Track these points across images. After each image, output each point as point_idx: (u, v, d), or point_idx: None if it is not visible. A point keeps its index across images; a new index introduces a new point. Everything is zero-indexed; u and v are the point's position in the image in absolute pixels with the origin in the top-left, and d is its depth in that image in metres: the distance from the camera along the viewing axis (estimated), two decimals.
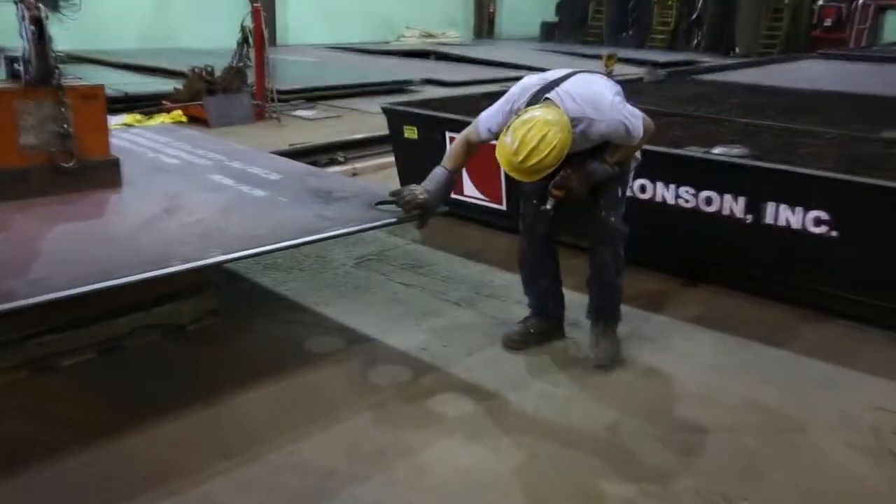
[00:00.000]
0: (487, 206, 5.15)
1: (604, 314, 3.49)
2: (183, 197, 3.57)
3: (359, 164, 7.32)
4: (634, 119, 3.11)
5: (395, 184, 5.74)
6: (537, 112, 2.90)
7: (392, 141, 5.84)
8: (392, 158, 5.99)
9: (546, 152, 2.83)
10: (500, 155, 2.90)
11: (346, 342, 3.63)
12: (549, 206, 3.27)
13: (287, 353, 3.49)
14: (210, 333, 3.65)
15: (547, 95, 3.03)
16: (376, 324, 3.80)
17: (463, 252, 4.87)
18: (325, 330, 3.76)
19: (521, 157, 2.84)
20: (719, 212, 4.07)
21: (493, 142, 3.04)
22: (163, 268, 2.68)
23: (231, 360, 3.44)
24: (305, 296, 4.14)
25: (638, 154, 3.35)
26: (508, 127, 2.91)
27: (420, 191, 3.21)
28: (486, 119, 3.18)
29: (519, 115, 2.92)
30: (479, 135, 3.21)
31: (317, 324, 3.82)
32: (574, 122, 2.96)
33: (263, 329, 3.74)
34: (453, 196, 5.17)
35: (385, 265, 4.64)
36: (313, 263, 4.63)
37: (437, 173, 3.24)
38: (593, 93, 3.06)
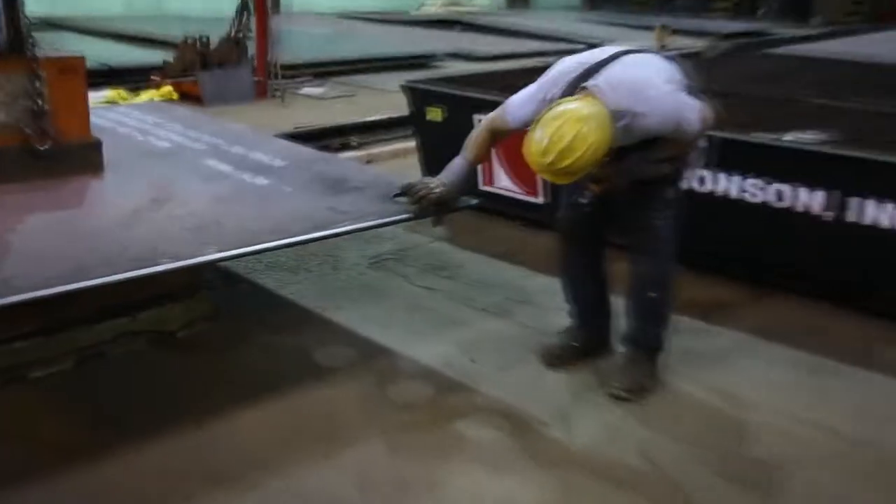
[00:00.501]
0: (523, 200, 5.14)
1: (640, 339, 3.44)
2: (174, 185, 3.58)
3: (375, 150, 7.35)
4: (690, 112, 3.03)
5: (416, 173, 5.78)
6: (572, 105, 2.84)
7: (413, 124, 5.83)
8: (413, 143, 6.00)
9: (579, 153, 2.77)
10: (529, 153, 2.86)
11: (359, 354, 3.63)
12: (585, 200, 3.24)
13: (291, 367, 3.50)
14: (203, 342, 3.66)
15: (585, 84, 2.98)
16: (394, 334, 3.80)
17: (494, 252, 4.86)
18: (336, 340, 3.76)
19: (550, 158, 2.79)
20: (792, 208, 4.02)
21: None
22: (150, 266, 2.68)
23: (227, 373, 3.45)
24: (313, 300, 4.14)
25: (701, 141, 3.30)
26: (538, 120, 2.86)
27: (436, 184, 3.20)
28: (516, 106, 3.14)
29: (551, 108, 2.86)
30: (505, 122, 3.18)
31: (326, 332, 3.82)
32: (616, 115, 2.88)
33: (264, 338, 3.74)
34: (483, 188, 5.18)
35: (404, 266, 4.64)
36: (322, 263, 4.64)
37: (456, 165, 3.24)
38: (640, 80, 2.99)
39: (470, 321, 3.99)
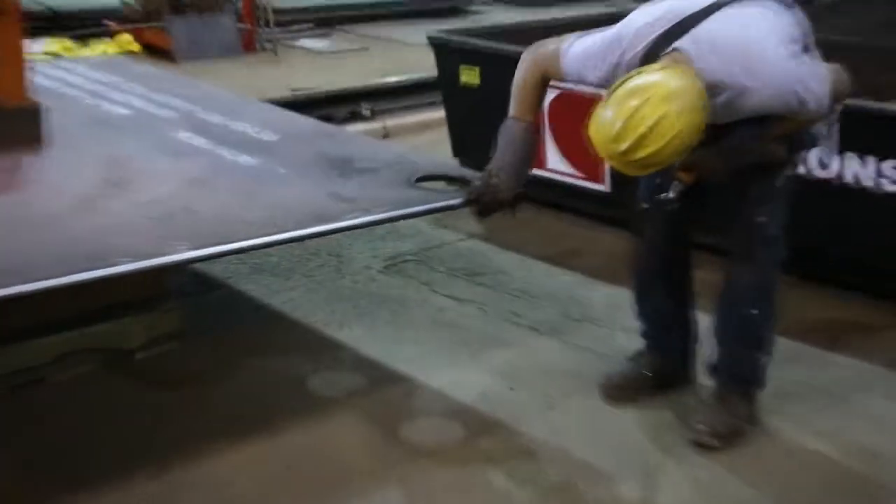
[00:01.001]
0: (582, 187, 5.14)
1: (734, 369, 3.42)
2: (134, 164, 3.60)
3: (392, 121, 7.38)
4: (816, 83, 2.94)
5: (444, 150, 5.81)
6: (654, 76, 2.78)
7: (442, 88, 5.83)
8: (441, 113, 6.02)
9: (662, 142, 2.73)
10: (596, 136, 2.83)
11: (367, 383, 3.64)
12: (671, 194, 3.20)
13: (281, 398, 3.51)
14: (170, 365, 3.68)
15: (675, 45, 2.94)
16: (413, 357, 3.81)
17: (544, 253, 4.86)
18: (338, 364, 3.77)
19: (623, 146, 2.75)
20: None
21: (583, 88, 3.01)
22: (103, 267, 2.68)
23: (199, 405, 3.46)
24: (311, 312, 4.17)
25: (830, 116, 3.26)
26: (610, 94, 2.81)
27: (500, 178, 3.17)
28: (577, 59, 3.09)
29: (627, 79, 2.81)
30: (558, 72, 3.16)
31: (326, 354, 3.84)
32: (714, 89, 2.84)
33: (247, 361, 3.76)
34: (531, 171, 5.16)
35: (428, 270, 4.65)
36: (323, 266, 4.66)
37: (513, 131, 3.19)
38: (748, 43, 2.91)
39: (511, 342, 3.99)
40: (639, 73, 2.82)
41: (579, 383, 3.65)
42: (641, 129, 2.71)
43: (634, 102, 2.73)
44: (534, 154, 3.26)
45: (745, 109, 2.95)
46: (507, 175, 3.16)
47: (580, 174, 5.12)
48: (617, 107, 2.75)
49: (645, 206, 3.44)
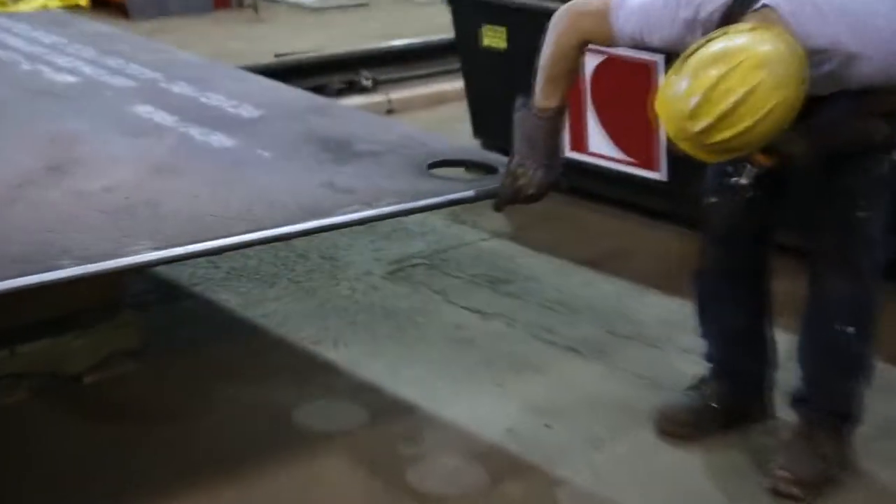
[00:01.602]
0: (632, 174, 5.14)
1: (822, 400, 3.40)
2: (83, 145, 3.59)
3: (398, 94, 7.39)
4: None
5: (463, 128, 5.81)
6: (741, 39, 2.74)
7: (460, 53, 5.82)
8: (458, 84, 6.01)
9: (750, 121, 2.69)
10: (666, 113, 2.81)
11: (367, 414, 3.65)
12: (744, 181, 3.16)
13: (262, 433, 3.51)
14: (124, 394, 3.68)
15: (764, 1, 2.90)
16: (423, 382, 3.83)
17: (585, 256, 4.86)
18: (331, 391, 3.78)
19: (701, 125, 2.71)
20: None
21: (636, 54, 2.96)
22: (41, 272, 2.66)
23: (161, 442, 3.45)
24: (299, 327, 4.18)
25: None
26: (684, 61, 2.78)
27: (526, 175, 3.20)
28: (637, 15, 3.03)
29: (706, 42, 2.77)
30: (607, 35, 3.10)
31: (317, 379, 3.86)
32: (816, 57, 2.80)
33: (220, 387, 3.77)
34: (568, 155, 5.16)
35: (443, 277, 4.67)
36: (314, 270, 4.69)
37: (533, 124, 3.19)
38: (855, 1, 2.90)
39: (545, 365, 3.99)
40: (723, 33, 2.76)
41: (629, 417, 3.64)
42: (724, 105, 2.67)
43: (716, 71, 2.68)
44: (558, 146, 3.25)
45: (851, 82, 2.90)
46: (534, 170, 3.18)
47: (630, 159, 5.12)
48: (694, 77, 2.71)
49: (712, 199, 3.42)
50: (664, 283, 4.43)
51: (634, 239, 5.03)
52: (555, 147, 3.22)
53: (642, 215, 5.15)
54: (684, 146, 2.82)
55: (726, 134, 2.70)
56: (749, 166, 3.12)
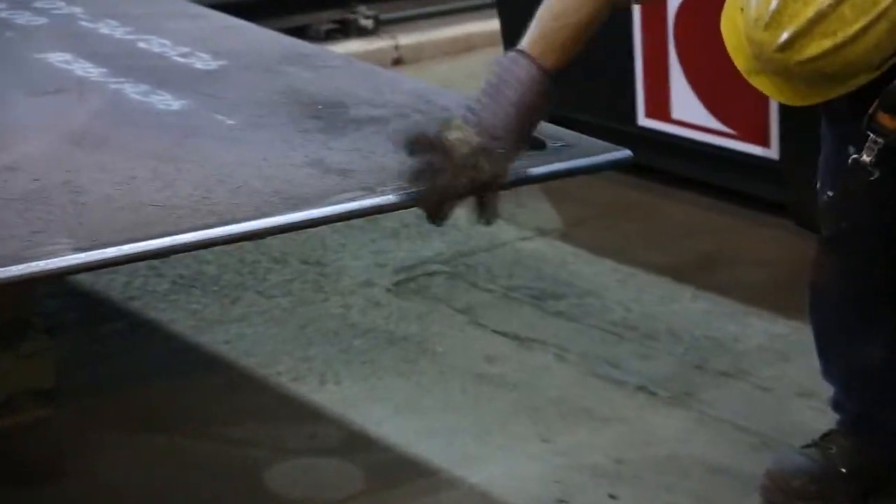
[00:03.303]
0: (731, 151, 5.14)
1: None
2: None
3: (408, 38, 7.43)
4: None
5: None
6: None
7: None
8: (490, 25, 6.01)
9: (860, 25, 2.69)
10: (734, 27, 2.82)
11: (365, 477, 3.66)
12: (866, 157, 3.14)
13: (223, 502, 3.52)
14: (32, 447, 3.70)
15: None
16: (442, 434, 3.84)
17: (663, 263, 4.88)
18: (317, 445, 3.79)
19: (786, 34, 2.70)
20: None
21: None
22: None
23: None
24: (272, 358, 4.20)
25: None
26: None
27: (466, 135, 3.10)
28: None
29: None
30: None
31: (296, 429, 3.86)
32: None
33: (162, 440, 3.78)
34: (643, 123, 5.22)
35: (469, 289, 4.70)
36: (295, 280, 4.71)
37: (518, 77, 3.15)
38: None
39: (608, 412, 3.99)
40: None
41: (725, 485, 3.64)
42: (817, 5, 2.70)
43: None
44: (539, 113, 3.10)
45: None
46: (477, 122, 3.01)
47: (728, 130, 5.11)
48: None
49: (829, 193, 3.42)
50: (774, 301, 4.43)
51: (733, 240, 5.03)
52: (534, 119, 3.09)
53: (745, 207, 5.15)
54: (762, 79, 2.83)
55: (824, 45, 2.68)
56: (871, 136, 3.11)
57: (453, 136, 2.97)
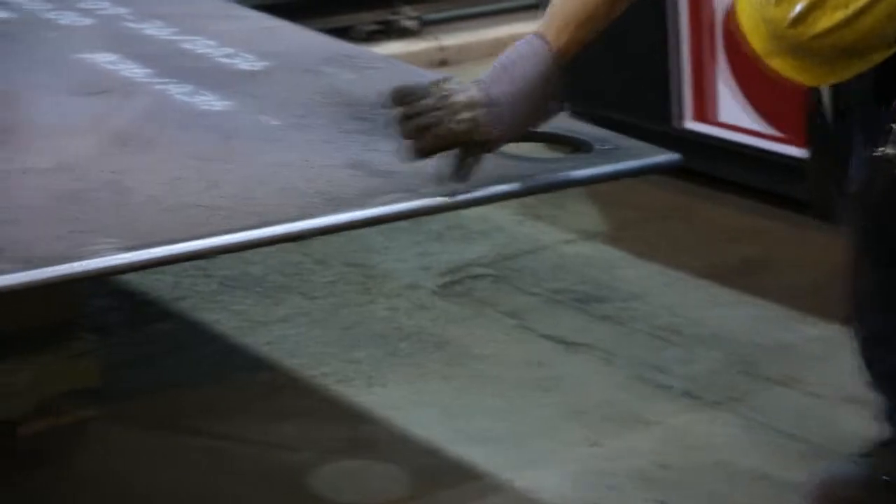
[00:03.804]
0: (777, 153, 5.11)
1: None
2: (21, 105, 3.60)
3: (453, 39, 7.42)
4: None
5: None
6: None
7: None
8: (533, 26, 5.95)
9: (863, 0, 2.67)
10: (745, 11, 2.83)
11: (411, 480, 3.65)
12: (891, 150, 3.12)
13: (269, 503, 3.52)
14: (77, 450, 3.69)
15: None
16: (488, 438, 3.82)
17: (710, 266, 4.87)
18: (361, 448, 3.79)
19: (798, 8, 2.69)
20: None
21: None
22: None
23: None
24: (316, 360, 4.20)
25: None
26: None
27: (466, 97, 3.07)
28: None
29: None
30: None
31: (341, 432, 3.87)
32: None
33: (208, 442, 3.77)
34: (689, 126, 5.20)
35: (514, 292, 4.69)
36: (339, 281, 4.72)
37: (523, 55, 3.04)
38: None
39: (655, 417, 3.98)
40: None
41: (773, 492, 3.62)
42: None
43: None
44: (542, 97, 3.06)
45: None
46: (477, 87, 3.00)
47: (776, 132, 5.09)
48: None
49: (856, 189, 3.39)
50: (822, 305, 4.40)
51: (780, 243, 5.01)
52: (543, 102, 3.06)
53: (792, 211, 5.11)
54: (779, 61, 2.82)
55: (836, 17, 2.67)
56: (895, 128, 3.10)
57: (450, 85, 2.99)
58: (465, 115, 2.95)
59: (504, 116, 2.98)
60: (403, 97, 3.02)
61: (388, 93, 3.06)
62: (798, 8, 2.67)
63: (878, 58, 2.76)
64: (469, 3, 7.76)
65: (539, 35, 3.05)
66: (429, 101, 2.99)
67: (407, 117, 2.97)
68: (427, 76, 4.39)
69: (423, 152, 2.97)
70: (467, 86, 2.97)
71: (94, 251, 2.74)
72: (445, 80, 3.02)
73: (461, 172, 2.98)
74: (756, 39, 2.79)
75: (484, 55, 7.09)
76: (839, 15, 2.66)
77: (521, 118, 3.04)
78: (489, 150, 3.01)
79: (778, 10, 2.70)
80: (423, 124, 2.95)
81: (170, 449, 3.73)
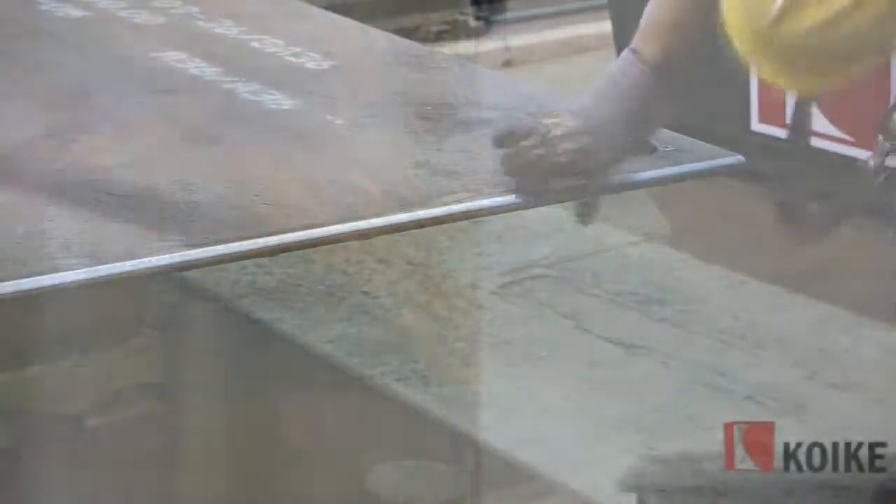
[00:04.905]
0: (845, 157, 5.02)
1: None
2: (88, 101, 3.63)
3: (519, 39, 7.40)
4: None
5: None
6: None
7: None
8: (604, 27, 6.00)
9: (843, 2, 2.69)
10: (730, 10, 2.72)
11: (469, 480, 3.71)
12: (874, 160, 3.10)
13: (323, 501, 3.57)
14: (140, 442, 3.72)
15: None
16: (546, 439, 3.85)
17: (774, 270, 4.85)
18: (419, 447, 3.83)
19: (776, 5, 2.65)
20: None
21: None
22: (35, 273, 2.66)
23: None
24: (375, 358, 4.23)
25: None
26: None
27: (563, 121, 3.09)
28: None
29: None
30: None
31: (398, 429, 3.92)
32: None
33: (265, 435, 3.80)
34: (757, 128, 5.15)
35: (574, 293, 4.70)
36: (399, 281, 4.74)
37: (620, 77, 3.03)
38: None
39: (715, 421, 3.84)
40: None
41: (837, 499, 3.56)
42: None
43: None
44: (645, 120, 3.06)
45: None
46: (576, 120, 2.99)
47: (844, 136, 5.05)
48: None
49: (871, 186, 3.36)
50: (887, 311, 4.36)
51: (848, 247, 4.96)
52: (630, 117, 3.00)
53: (860, 214, 5.08)
54: (764, 65, 2.76)
55: (819, 15, 2.64)
56: (881, 139, 3.08)
57: (548, 120, 2.98)
58: (567, 145, 2.97)
59: (603, 141, 3.00)
60: (506, 139, 3.03)
61: (493, 136, 3.08)
62: (780, 2, 2.67)
63: (867, 64, 2.76)
64: (535, 4, 7.77)
65: (632, 49, 3.05)
66: (529, 141, 3.00)
67: (510, 158, 3.00)
68: (498, 78, 4.42)
69: (532, 192, 3.02)
70: (566, 117, 2.98)
71: (158, 248, 2.78)
72: (546, 114, 3.02)
73: (588, 209, 3.07)
74: (739, 41, 2.78)
75: (550, 55, 7.11)
76: (820, 16, 2.64)
77: (621, 139, 3.04)
78: (600, 177, 3.04)
79: (761, 6, 2.70)
80: (525, 163, 2.98)
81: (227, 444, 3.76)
